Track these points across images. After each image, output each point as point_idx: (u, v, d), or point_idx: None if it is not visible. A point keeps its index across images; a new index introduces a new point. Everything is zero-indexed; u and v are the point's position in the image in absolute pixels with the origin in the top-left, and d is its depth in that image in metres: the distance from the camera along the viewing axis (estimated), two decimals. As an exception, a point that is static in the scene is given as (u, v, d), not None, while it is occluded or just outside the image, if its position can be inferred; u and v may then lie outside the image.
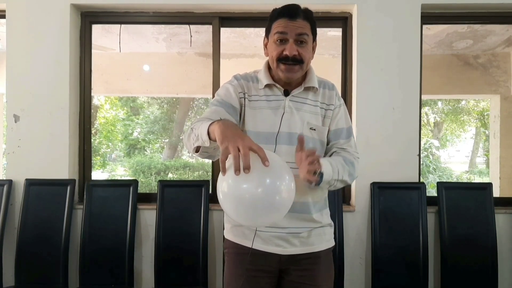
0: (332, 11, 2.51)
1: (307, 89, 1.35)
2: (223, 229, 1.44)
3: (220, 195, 1.04)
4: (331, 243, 1.40)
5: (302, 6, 1.30)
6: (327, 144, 1.37)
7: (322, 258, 1.35)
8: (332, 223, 1.42)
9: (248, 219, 1.05)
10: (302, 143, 1.17)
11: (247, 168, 0.96)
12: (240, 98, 1.33)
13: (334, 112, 1.37)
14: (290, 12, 1.26)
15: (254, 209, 1.00)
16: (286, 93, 1.33)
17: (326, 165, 1.21)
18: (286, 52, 1.25)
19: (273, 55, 1.28)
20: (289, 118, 1.30)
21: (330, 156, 1.36)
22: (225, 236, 1.41)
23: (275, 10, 1.31)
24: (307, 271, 1.32)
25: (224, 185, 1.02)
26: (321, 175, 1.17)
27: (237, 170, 0.96)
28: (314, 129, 1.32)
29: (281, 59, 1.26)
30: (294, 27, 1.25)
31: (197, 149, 1.19)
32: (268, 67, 1.37)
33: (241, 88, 1.34)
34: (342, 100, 1.41)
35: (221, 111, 1.26)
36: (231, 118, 1.26)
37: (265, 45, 1.36)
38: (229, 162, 1.00)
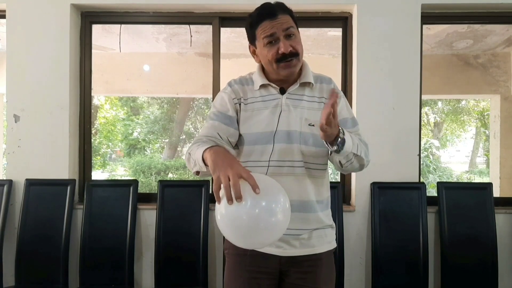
0: (332, 11, 2.51)
1: (303, 85, 1.34)
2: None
3: (218, 217, 1.07)
4: (333, 245, 1.38)
5: (286, 4, 1.29)
6: None
7: (323, 260, 1.34)
8: (334, 225, 1.40)
9: (245, 241, 1.07)
10: (334, 97, 1.11)
11: (238, 198, 0.99)
12: (235, 104, 1.33)
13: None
14: (269, 12, 1.25)
15: (251, 231, 1.03)
16: (282, 91, 1.33)
17: (347, 136, 1.21)
18: (282, 50, 1.24)
19: (268, 58, 1.27)
20: (287, 116, 1.30)
21: None
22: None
23: (252, 16, 1.29)
24: (307, 273, 1.31)
25: (222, 207, 1.05)
26: (343, 141, 1.18)
27: (229, 200, 1.00)
28: (313, 125, 1.31)
29: (279, 59, 1.25)
30: (279, 24, 1.24)
31: (197, 172, 1.23)
32: (262, 68, 1.37)
33: (235, 94, 1.34)
34: (341, 93, 1.40)
35: (217, 125, 1.30)
36: (228, 129, 1.30)
37: (253, 53, 1.34)
38: (222, 191, 1.03)
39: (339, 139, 1.17)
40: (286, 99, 1.32)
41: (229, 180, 1.01)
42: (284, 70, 1.27)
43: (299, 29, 1.32)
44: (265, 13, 1.26)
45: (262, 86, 1.34)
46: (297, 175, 1.29)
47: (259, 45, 1.29)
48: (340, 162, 1.28)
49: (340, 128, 1.17)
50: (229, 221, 1.04)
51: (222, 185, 1.02)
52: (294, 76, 1.33)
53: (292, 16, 1.29)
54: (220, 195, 1.04)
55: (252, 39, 1.31)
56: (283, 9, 1.27)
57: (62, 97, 2.45)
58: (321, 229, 1.34)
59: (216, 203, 1.07)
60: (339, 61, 2.59)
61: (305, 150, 1.30)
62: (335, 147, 1.18)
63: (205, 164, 1.14)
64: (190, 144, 1.30)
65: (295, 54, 1.26)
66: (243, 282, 1.30)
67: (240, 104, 1.33)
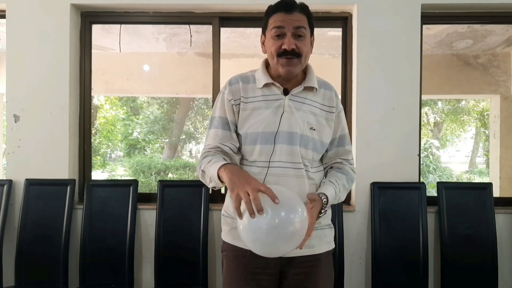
0: (332, 11, 2.51)
1: (307, 89, 1.33)
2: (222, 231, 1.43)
3: (240, 227, 1.14)
4: (331, 246, 1.39)
5: (298, 1, 1.30)
6: (331, 148, 1.40)
7: (322, 261, 1.34)
8: (332, 225, 1.41)
9: (266, 249, 1.13)
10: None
11: (260, 210, 1.06)
12: (232, 105, 1.33)
13: (338, 117, 1.38)
14: (286, 5, 1.26)
15: (271, 240, 1.10)
16: (286, 92, 1.31)
17: (331, 193, 1.29)
18: (284, 46, 1.24)
19: (271, 50, 1.27)
20: (289, 117, 1.29)
21: (332, 166, 1.42)
22: (223, 239, 1.40)
23: (271, 6, 1.31)
24: (306, 273, 1.31)
25: (245, 219, 1.12)
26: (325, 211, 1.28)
27: (252, 214, 1.07)
28: (314, 129, 1.31)
29: (280, 53, 1.26)
30: (291, 21, 1.25)
31: (214, 186, 1.31)
32: (266, 66, 1.36)
33: (233, 94, 1.33)
34: (341, 105, 1.43)
35: (220, 134, 1.33)
36: (230, 135, 1.33)
37: (263, 43, 1.35)
38: (243, 206, 1.11)
39: (323, 211, 1.27)
40: (289, 101, 1.31)
41: (249, 196, 1.08)
42: (283, 67, 1.27)
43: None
44: (283, 5, 1.27)
45: (265, 85, 1.32)
46: (296, 176, 1.29)
47: (267, 35, 1.30)
48: None
49: (322, 200, 1.26)
50: (252, 232, 1.11)
51: (243, 201, 1.09)
52: (296, 77, 1.33)
53: (309, 19, 1.29)
54: (242, 210, 1.11)
55: (264, 27, 1.32)
56: (302, 8, 1.28)
57: (62, 97, 2.45)
58: (320, 229, 1.34)
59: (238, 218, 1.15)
60: (339, 61, 2.59)
61: (304, 153, 1.30)
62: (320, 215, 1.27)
63: (221, 181, 1.22)
64: (200, 156, 1.35)
65: (297, 54, 1.26)
66: (243, 283, 1.30)
67: (239, 104, 1.33)
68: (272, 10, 1.29)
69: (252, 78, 1.36)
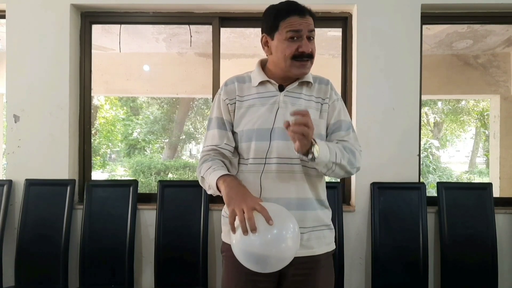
0: (332, 11, 2.51)
1: (302, 84, 1.35)
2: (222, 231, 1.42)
3: (233, 241, 1.15)
4: (332, 247, 1.37)
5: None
6: (326, 137, 1.36)
7: (321, 262, 1.33)
8: (332, 226, 1.39)
9: (258, 266, 1.13)
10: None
11: (253, 230, 1.07)
12: (227, 105, 1.34)
13: (332, 106, 1.36)
14: (301, 9, 1.28)
15: (263, 257, 1.10)
16: (281, 89, 1.33)
17: (322, 145, 1.19)
18: (302, 49, 1.26)
19: (285, 53, 1.26)
20: (284, 113, 1.29)
21: None
22: (223, 239, 1.39)
23: (278, 8, 1.30)
24: (306, 275, 1.30)
25: (238, 235, 1.12)
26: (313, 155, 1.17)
27: (245, 232, 1.08)
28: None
29: (296, 56, 1.26)
30: (306, 24, 1.27)
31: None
32: (261, 66, 1.37)
33: (228, 94, 1.35)
34: (339, 96, 1.41)
35: (216, 134, 1.34)
36: (226, 134, 1.34)
37: (265, 44, 1.33)
38: (237, 222, 1.12)
39: (311, 153, 1.16)
40: (284, 97, 1.32)
41: (244, 213, 1.09)
42: (298, 69, 1.29)
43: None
44: (295, 8, 1.28)
45: (261, 83, 1.33)
46: (295, 173, 1.29)
47: (278, 38, 1.28)
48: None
49: (313, 139, 1.16)
50: (244, 248, 1.11)
51: (237, 218, 1.10)
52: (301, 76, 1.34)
53: (314, 23, 1.32)
54: (235, 226, 1.12)
55: (271, 29, 1.30)
56: (311, 13, 1.30)
57: (62, 97, 2.45)
58: (320, 230, 1.33)
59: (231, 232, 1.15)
60: (339, 61, 2.59)
61: None
62: (310, 156, 1.16)
63: (219, 191, 1.22)
64: (200, 159, 1.35)
65: (311, 57, 1.29)
66: (242, 284, 1.29)
67: (234, 104, 1.34)
68: (283, 12, 1.28)
69: (248, 78, 1.37)
